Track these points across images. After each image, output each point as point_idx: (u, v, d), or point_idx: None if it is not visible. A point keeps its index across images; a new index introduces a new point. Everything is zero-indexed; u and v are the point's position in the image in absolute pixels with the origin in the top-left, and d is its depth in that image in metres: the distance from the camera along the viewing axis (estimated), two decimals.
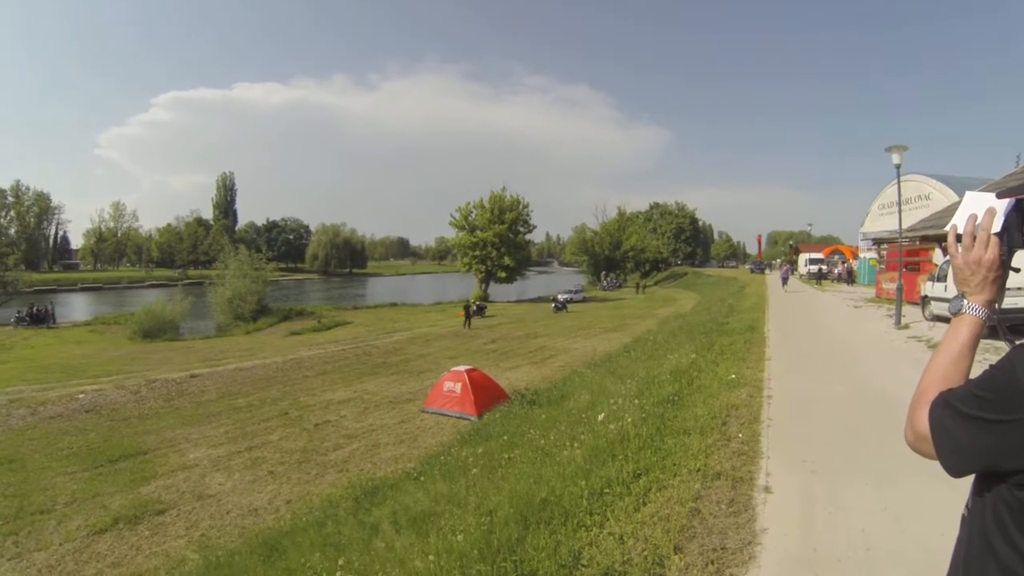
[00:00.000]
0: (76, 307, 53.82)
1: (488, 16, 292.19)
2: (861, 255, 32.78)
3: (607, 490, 4.62)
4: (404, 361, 19.45)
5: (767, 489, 4.57)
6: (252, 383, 17.25)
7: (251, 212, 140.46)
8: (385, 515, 6.12)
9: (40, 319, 37.08)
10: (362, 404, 14.11)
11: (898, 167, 14.78)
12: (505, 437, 8.45)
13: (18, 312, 37.58)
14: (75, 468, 10.38)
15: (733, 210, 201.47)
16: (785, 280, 30.37)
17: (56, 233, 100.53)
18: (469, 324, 29.10)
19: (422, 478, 7.59)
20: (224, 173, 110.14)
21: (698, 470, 4.93)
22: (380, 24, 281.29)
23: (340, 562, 4.67)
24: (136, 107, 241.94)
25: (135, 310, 37.94)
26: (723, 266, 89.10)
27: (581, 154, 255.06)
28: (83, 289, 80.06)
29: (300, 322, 34.50)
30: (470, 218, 47.64)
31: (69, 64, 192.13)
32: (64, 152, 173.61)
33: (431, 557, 3.88)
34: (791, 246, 63.75)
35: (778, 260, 65.91)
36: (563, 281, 65.52)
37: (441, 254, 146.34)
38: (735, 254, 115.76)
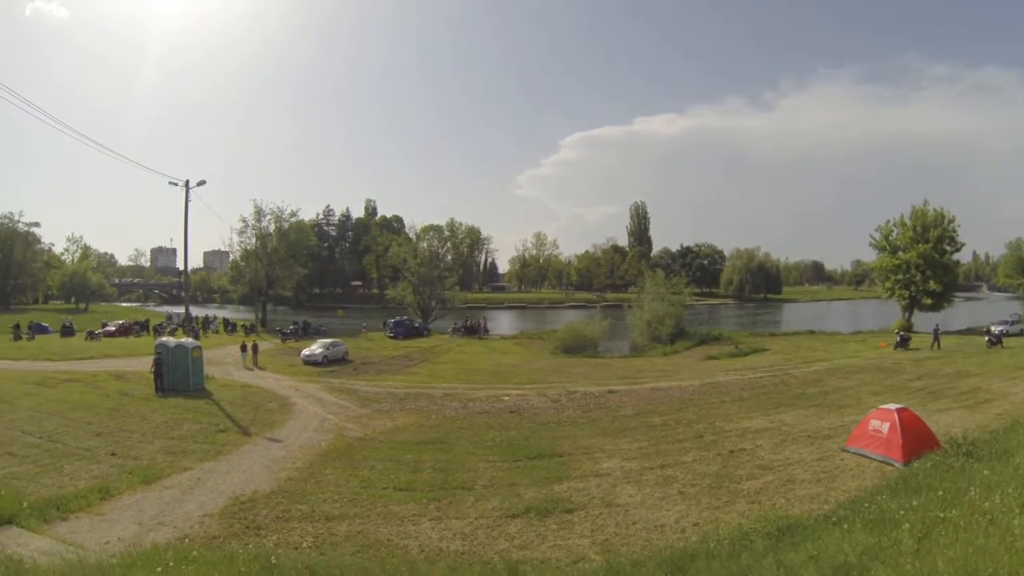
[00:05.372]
0: (502, 322, 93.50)
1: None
2: None
3: None
4: (823, 393, 27.25)
5: None
6: (668, 403, 27.16)
7: (662, 238, 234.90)
8: (804, 559, 9.13)
9: (472, 330, 67.19)
10: (779, 435, 20.26)
11: None
12: (940, 492, 11.21)
13: (455, 323, 70.73)
14: (495, 458, 18.77)
15: None
16: None
17: (485, 260, 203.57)
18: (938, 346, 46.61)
19: (844, 525, 10.65)
20: (637, 202, 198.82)
21: None
22: (763, 38, 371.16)
23: None
24: (549, 150, 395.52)
25: (557, 327, 66.25)
26: None
27: (1005, 150, 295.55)
28: (508, 307, 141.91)
29: (716, 347, 52.70)
30: (891, 238, 68.25)
31: (491, 124, 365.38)
32: (494, 194, 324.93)
33: None
34: None
35: None
36: (994, 310, 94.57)
37: (858, 278, 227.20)
38: None
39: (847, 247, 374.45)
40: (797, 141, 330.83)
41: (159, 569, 8.28)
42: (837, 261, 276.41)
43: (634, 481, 16.09)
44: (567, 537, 12.68)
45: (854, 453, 17.43)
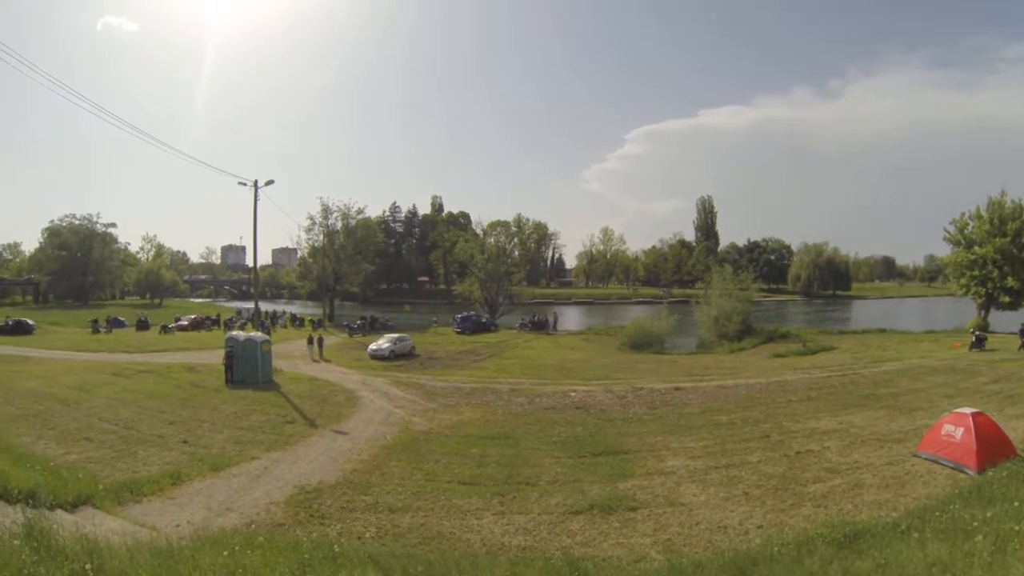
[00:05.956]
0: (569, 318, 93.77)
1: None
2: None
3: None
4: (894, 395, 26.75)
5: None
6: (735, 401, 27.21)
7: (730, 233, 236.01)
8: (871, 568, 9.09)
9: (540, 326, 67.71)
10: (847, 437, 20.04)
11: None
12: (1016, 503, 11.01)
13: (522, 319, 71.41)
14: (560, 454, 18.96)
15: None
16: None
17: (553, 255, 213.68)
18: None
19: (914, 534, 10.48)
20: (703, 197, 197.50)
21: None
22: (828, 24, 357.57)
23: None
24: (613, 145, 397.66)
25: (624, 323, 67.69)
26: None
27: None
28: (575, 303, 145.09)
29: (784, 344, 52.77)
30: (966, 231, 64.20)
31: (556, 119, 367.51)
32: (559, 190, 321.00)
33: None
34: None
35: None
36: None
37: (931, 274, 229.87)
38: None
39: (919, 241, 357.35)
40: (865, 130, 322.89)
41: (226, 553, 8.61)
42: (909, 256, 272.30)
43: (698, 480, 16.16)
44: (629, 535, 12.79)
45: (925, 458, 17.12)
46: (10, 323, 62.85)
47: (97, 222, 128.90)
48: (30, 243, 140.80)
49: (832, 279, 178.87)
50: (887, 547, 9.92)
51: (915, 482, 15.47)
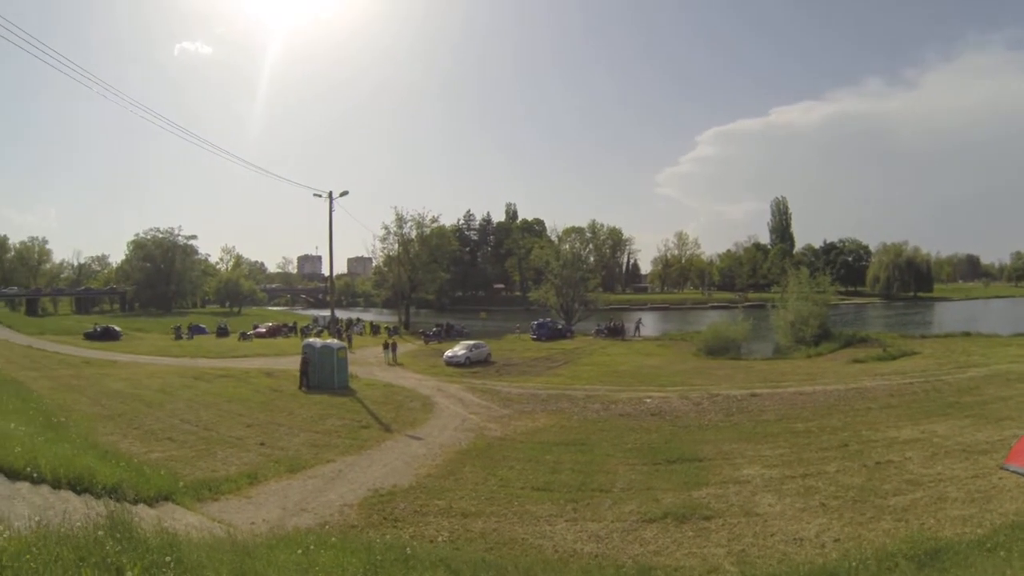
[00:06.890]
0: (645, 324, 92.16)
1: None
2: None
3: None
4: (980, 403, 25.52)
5: None
6: (812, 409, 26.55)
7: (806, 234, 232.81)
8: None
9: (615, 332, 67.98)
10: (930, 447, 19.25)
11: None
12: None
13: (598, 325, 72.07)
14: (635, 461, 18.95)
15: None
16: None
17: (627, 260, 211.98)
18: None
19: (1000, 552, 10.04)
20: (778, 198, 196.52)
21: None
22: (901, 6, 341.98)
23: None
24: (685, 147, 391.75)
25: (700, 328, 66.84)
26: None
27: None
28: (651, 308, 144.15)
29: (863, 349, 50.77)
30: None
31: (627, 122, 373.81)
32: (632, 194, 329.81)
33: None
34: None
35: None
36: None
37: (1018, 273, 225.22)
38: None
39: (1006, 238, 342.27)
40: (945, 121, 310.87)
41: (300, 551, 8.91)
42: (995, 254, 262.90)
43: (774, 490, 15.91)
44: (703, 545, 12.68)
45: (1014, 472, 16.20)
46: (99, 329, 66.77)
47: (179, 235, 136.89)
48: (117, 255, 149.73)
49: (913, 280, 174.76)
50: (971, 566, 9.59)
51: (1002, 497, 14.77)
